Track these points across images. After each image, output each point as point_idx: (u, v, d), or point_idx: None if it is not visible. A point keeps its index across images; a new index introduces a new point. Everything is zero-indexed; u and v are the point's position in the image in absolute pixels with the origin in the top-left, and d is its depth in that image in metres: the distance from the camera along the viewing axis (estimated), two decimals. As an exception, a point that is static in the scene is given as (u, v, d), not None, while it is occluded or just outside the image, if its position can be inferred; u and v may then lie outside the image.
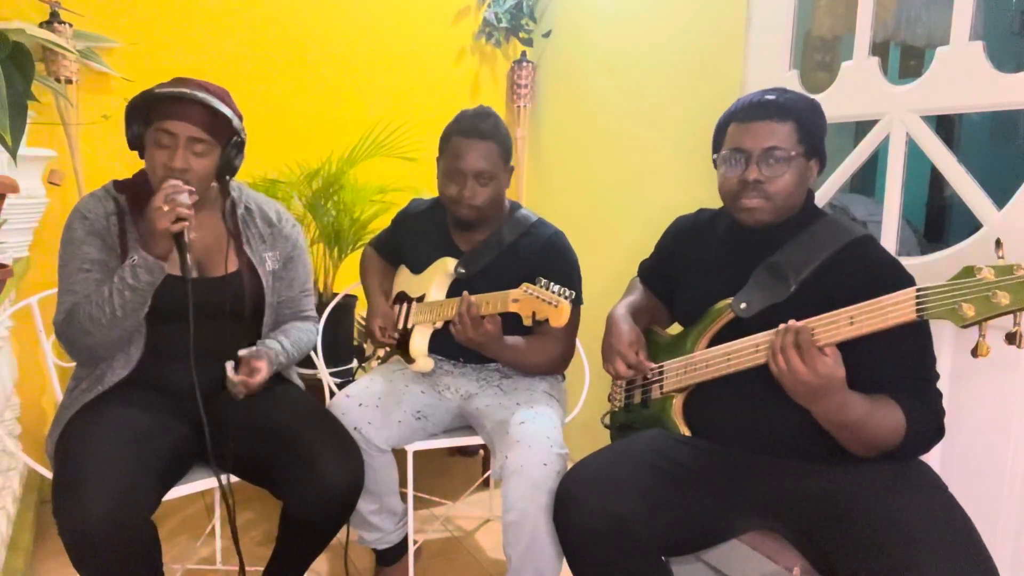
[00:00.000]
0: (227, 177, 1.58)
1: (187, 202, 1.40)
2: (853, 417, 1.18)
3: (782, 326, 1.19)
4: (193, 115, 1.44)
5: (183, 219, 1.39)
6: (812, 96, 1.41)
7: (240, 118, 1.53)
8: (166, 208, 1.37)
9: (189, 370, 1.44)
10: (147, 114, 1.47)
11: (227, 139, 1.51)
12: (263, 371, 1.53)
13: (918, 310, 1.09)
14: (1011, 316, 1.03)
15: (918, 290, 1.10)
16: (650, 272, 1.69)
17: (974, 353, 1.07)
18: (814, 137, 1.34)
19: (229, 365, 1.52)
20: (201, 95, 1.44)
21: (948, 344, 1.54)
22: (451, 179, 1.73)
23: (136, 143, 1.51)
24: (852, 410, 1.17)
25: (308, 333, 1.75)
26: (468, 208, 1.73)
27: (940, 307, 1.07)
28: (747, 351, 1.30)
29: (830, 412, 1.18)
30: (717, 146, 1.42)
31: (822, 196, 1.86)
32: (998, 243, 1.08)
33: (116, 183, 1.57)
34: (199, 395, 1.42)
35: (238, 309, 1.59)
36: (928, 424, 1.24)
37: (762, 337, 1.27)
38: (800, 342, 1.15)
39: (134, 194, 1.54)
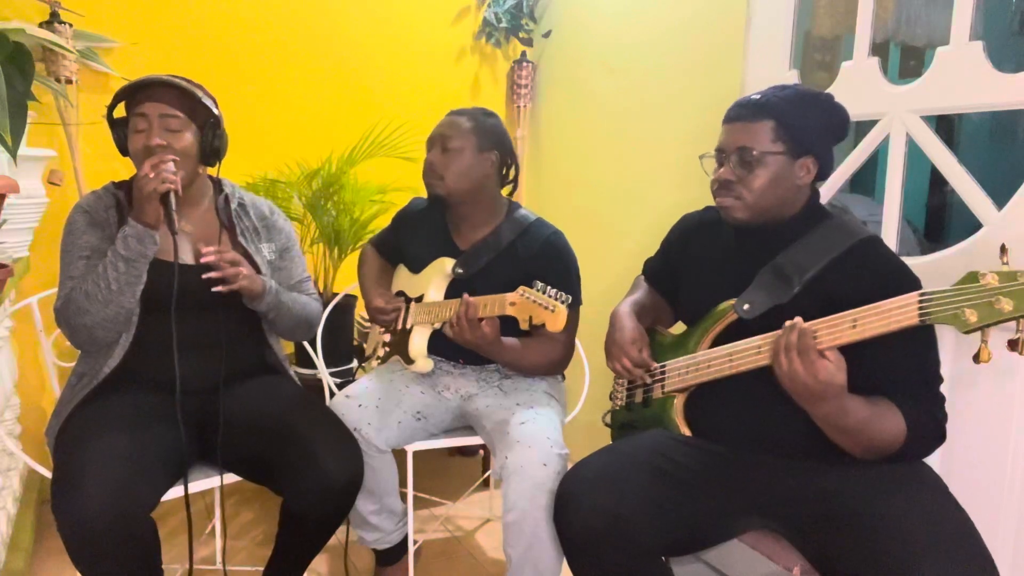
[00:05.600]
0: (214, 162, 1.61)
1: (172, 169, 1.44)
2: (852, 422, 1.18)
3: (788, 323, 1.18)
4: (161, 95, 1.50)
5: (169, 183, 1.42)
6: (817, 90, 1.36)
7: (212, 99, 1.57)
8: (152, 174, 1.41)
9: (184, 363, 1.45)
10: (125, 112, 1.52)
11: (202, 120, 1.55)
12: (246, 269, 1.54)
13: (921, 314, 1.09)
14: (1014, 322, 1.03)
15: (921, 294, 1.10)
16: (655, 270, 1.69)
17: (976, 359, 1.07)
18: (800, 133, 1.30)
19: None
20: (166, 77, 1.50)
21: (949, 349, 1.54)
22: (427, 154, 1.78)
23: (124, 146, 1.55)
24: (851, 415, 1.17)
25: (311, 299, 1.77)
26: (433, 177, 1.75)
27: (943, 312, 1.07)
28: (749, 352, 1.30)
29: (829, 416, 1.18)
30: None
31: (822, 196, 1.86)
32: (1003, 249, 1.07)
33: (114, 183, 1.62)
34: (177, 367, 1.44)
35: (230, 297, 1.59)
36: (929, 429, 1.24)
37: (764, 338, 1.27)
38: (801, 346, 1.14)
39: (131, 191, 1.55)
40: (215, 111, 1.56)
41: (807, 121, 1.32)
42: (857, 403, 1.18)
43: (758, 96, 1.34)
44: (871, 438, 1.20)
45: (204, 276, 1.50)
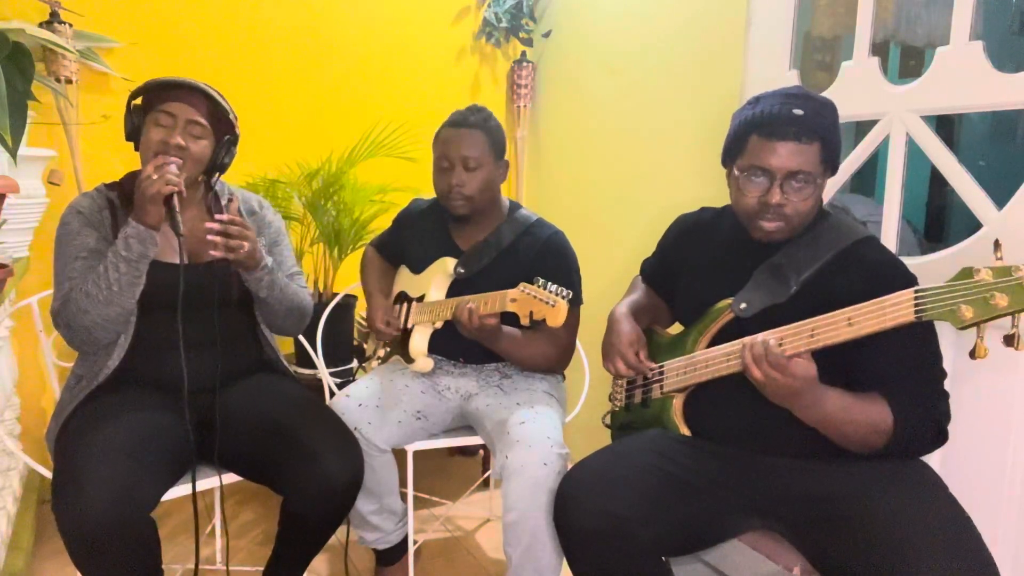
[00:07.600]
0: (216, 175, 1.61)
1: (175, 171, 1.43)
2: (829, 410, 1.21)
3: (740, 342, 1.24)
4: (194, 100, 1.50)
5: (173, 185, 1.41)
6: (825, 96, 1.33)
7: (236, 117, 1.58)
8: (155, 176, 1.41)
9: (181, 362, 1.44)
10: (148, 103, 1.51)
11: (222, 133, 1.56)
12: (252, 238, 1.51)
13: (916, 311, 1.10)
14: (1009, 318, 1.03)
15: (916, 291, 1.10)
16: (652, 271, 1.70)
17: (972, 355, 1.07)
18: (836, 151, 1.31)
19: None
20: (201, 85, 1.51)
21: (947, 346, 1.54)
22: (440, 171, 1.75)
23: (134, 135, 1.53)
24: (828, 403, 1.20)
25: (301, 288, 1.74)
26: (460, 199, 1.73)
27: (938, 308, 1.07)
28: (747, 351, 1.30)
29: (807, 408, 1.21)
30: (733, 152, 1.35)
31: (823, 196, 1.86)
32: (996, 244, 1.07)
33: (105, 185, 1.61)
34: (184, 367, 1.43)
35: (226, 296, 1.60)
36: (924, 424, 1.24)
37: (762, 336, 1.27)
38: (770, 357, 1.18)
39: (124, 192, 1.57)
40: (236, 129, 1.57)
41: (839, 138, 1.32)
42: (832, 393, 1.21)
43: (800, 112, 1.26)
44: (852, 427, 1.22)
45: (209, 237, 1.45)
